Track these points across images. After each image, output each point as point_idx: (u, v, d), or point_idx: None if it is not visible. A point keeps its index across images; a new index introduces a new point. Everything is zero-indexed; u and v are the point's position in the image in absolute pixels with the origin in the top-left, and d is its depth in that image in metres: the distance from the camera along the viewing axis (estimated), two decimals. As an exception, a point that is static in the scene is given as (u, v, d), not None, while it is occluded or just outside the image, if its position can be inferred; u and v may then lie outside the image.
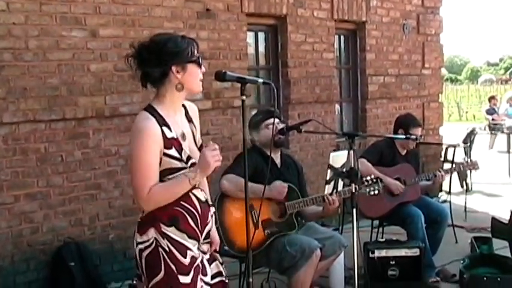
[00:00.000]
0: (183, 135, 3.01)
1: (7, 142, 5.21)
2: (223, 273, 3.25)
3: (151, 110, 2.94)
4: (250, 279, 3.22)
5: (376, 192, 4.73)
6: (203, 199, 3.08)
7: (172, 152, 2.92)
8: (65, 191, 5.55)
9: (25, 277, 5.35)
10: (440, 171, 5.89)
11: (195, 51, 2.99)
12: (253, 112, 5.44)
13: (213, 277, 3.15)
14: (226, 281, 3.26)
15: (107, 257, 5.81)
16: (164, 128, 2.91)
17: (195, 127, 3.16)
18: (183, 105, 3.13)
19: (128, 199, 5.88)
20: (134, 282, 5.49)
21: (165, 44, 2.92)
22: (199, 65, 3.01)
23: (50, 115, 5.41)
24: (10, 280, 5.25)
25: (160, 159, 2.90)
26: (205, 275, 3.04)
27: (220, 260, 3.29)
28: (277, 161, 4.86)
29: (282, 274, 4.79)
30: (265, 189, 3.60)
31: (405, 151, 6.01)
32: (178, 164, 2.94)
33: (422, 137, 6.25)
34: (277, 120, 4.79)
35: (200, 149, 3.10)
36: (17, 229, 5.30)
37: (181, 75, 2.94)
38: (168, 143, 2.91)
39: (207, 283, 3.06)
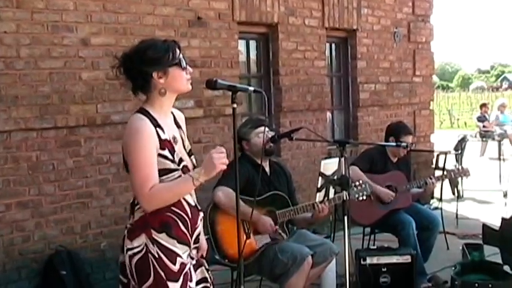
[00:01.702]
0: (175, 138, 3.04)
1: (-2, 150, 5.21)
2: (209, 279, 3.26)
3: (144, 112, 2.97)
4: (242, 287, 3.22)
5: (365, 197, 4.73)
6: (193, 203, 3.10)
7: (166, 153, 2.95)
8: (56, 199, 5.54)
9: (17, 286, 5.32)
10: (431, 179, 5.90)
11: (176, 54, 3.01)
12: (244, 120, 5.43)
13: (198, 283, 3.15)
14: (211, 287, 3.26)
15: (99, 265, 5.79)
16: (158, 129, 2.95)
17: (183, 133, 3.19)
18: (172, 113, 3.16)
19: (120, 207, 5.88)
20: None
21: (144, 52, 2.96)
22: (181, 66, 3.02)
23: (41, 123, 5.41)
24: (1, 289, 5.23)
25: None
26: (191, 281, 3.04)
27: (207, 266, 3.30)
28: (267, 169, 4.86)
29: (274, 282, 4.79)
30: (257, 203, 3.63)
31: (396, 158, 6.03)
32: (171, 165, 2.96)
33: (414, 144, 6.27)
34: (267, 128, 4.80)
35: (189, 154, 3.14)
36: (9, 238, 5.28)
37: (164, 79, 2.98)
38: (162, 143, 2.94)
39: None
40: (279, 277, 4.58)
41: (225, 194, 4.46)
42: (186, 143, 3.18)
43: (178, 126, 3.17)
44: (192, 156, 3.15)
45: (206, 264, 3.30)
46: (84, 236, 5.74)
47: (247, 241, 4.25)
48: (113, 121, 5.85)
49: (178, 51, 3.02)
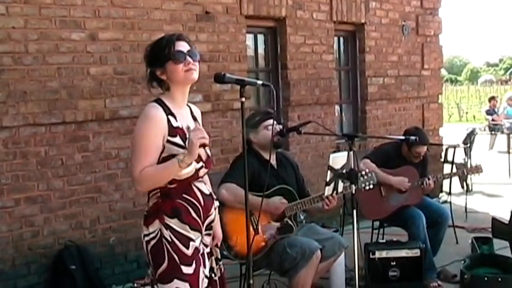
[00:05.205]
0: (188, 128, 3.10)
1: (7, 146, 5.22)
2: (215, 269, 3.32)
3: (159, 101, 3.10)
4: (251, 281, 3.23)
5: (372, 186, 4.70)
6: (207, 192, 3.19)
7: (177, 139, 3.04)
8: (65, 195, 5.56)
9: (26, 281, 5.35)
10: (429, 178, 5.79)
11: (172, 48, 3.06)
12: (252, 112, 5.41)
13: None
14: (215, 278, 3.31)
15: (108, 260, 5.81)
16: (170, 117, 3.05)
17: (199, 125, 3.25)
18: (189, 106, 3.27)
19: (129, 202, 5.89)
20: (135, 285, 5.50)
21: (149, 52, 3.14)
22: (174, 60, 3.06)
23: (50, 118, 5.42)
24: (11, 284, 5.25)
25: (164, 146, 3.02)
26: (205, 267, 3.14)
27: (219, 256, 3.40)
28: (273, 161, 4.83)
29: (283, 276, 4.79)
30: (263, 197, 3.65)
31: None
32: (182, 152, 3.01)
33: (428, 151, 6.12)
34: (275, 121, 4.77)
35: (203, 145, 3.16)
36: (18, 233, 5.30)
37: (166, 75, 3.10)
38: (173, 131, 3.04)
39: (205, 275, 3.15)
40: (288, 271, 4.57)
41: (229, 191, 4.46)
42: None
43: (195, 119, 3.26)
44: (207, 148, 3.21)
45: (219, 254, 3.40)
46: (93, 231, 5.76)
47: (256, 237, 4.25)
48: (121, 116, 5.85)
49: (173, 45, 3.07)
